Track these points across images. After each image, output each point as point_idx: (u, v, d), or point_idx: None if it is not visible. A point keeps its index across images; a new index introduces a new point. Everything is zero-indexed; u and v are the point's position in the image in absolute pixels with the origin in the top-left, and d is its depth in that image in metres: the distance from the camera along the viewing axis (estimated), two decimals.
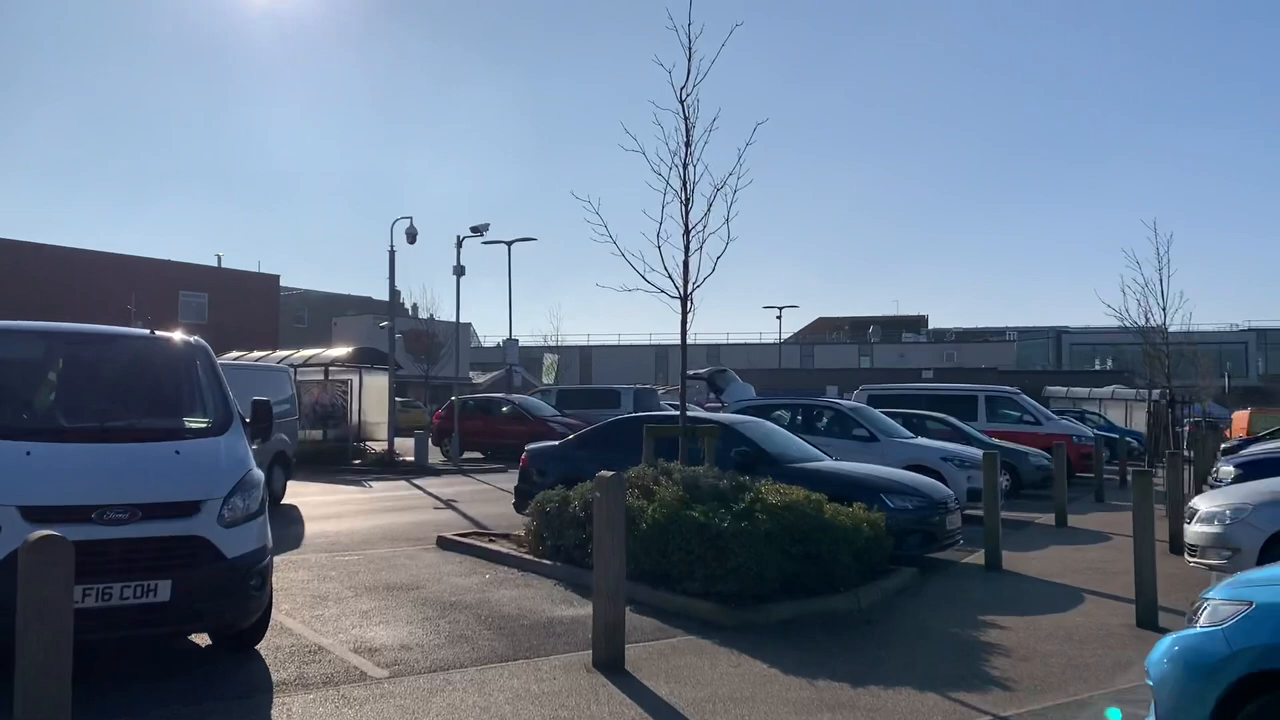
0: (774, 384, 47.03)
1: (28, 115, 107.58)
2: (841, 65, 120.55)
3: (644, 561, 8.33)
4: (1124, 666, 6.79)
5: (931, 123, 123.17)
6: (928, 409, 21.50)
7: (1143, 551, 8.03)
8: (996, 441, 19.69)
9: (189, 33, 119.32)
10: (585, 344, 79.35)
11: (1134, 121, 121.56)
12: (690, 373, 31.89)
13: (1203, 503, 9.83)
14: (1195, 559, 9.65)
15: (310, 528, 13.46)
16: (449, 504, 16.83)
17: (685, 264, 9.93)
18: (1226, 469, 13.84)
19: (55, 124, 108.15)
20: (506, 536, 11.52)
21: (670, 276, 9.90)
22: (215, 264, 53.19)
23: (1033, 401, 24.78)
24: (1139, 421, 44.89)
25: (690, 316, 10.00)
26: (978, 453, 16.09)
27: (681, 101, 9.83)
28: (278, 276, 55.33)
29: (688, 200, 9.89)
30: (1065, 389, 48.68)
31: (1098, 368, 75.72)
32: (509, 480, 17.88)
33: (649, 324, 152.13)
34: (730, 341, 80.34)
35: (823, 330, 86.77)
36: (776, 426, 12.68)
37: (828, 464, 11.45)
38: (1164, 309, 16.96)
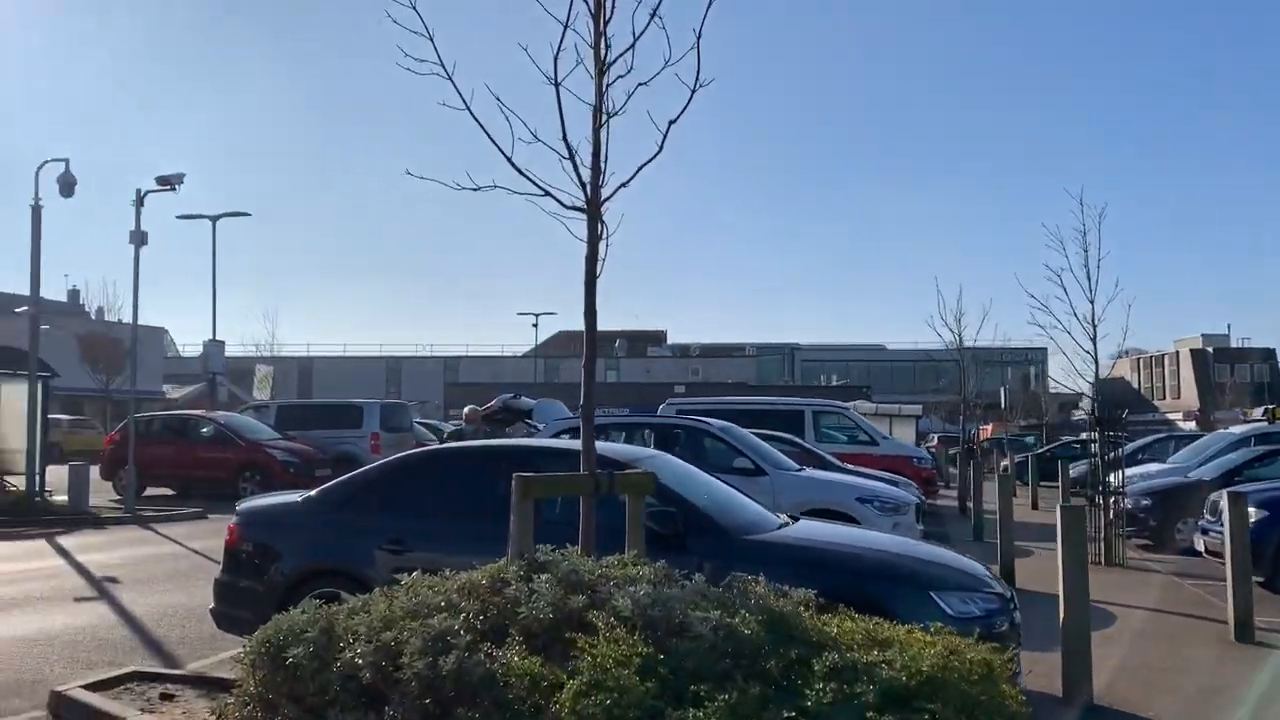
0: None
1: None
2: None
3: None
4: None
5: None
6: (748, 428, 17.45)
7: None
8: (851, 466, 15.91)
9: None
10: (305, 355, 70.42)
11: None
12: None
13: None
14: None
15: None
16: (104, 587, 10.51)
17: (595, 139, 4.83)
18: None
19: None
20: (206, 684, 5.88)
21: (574, 159, 4.75)
22: None
23: (863, 418, 21.32)
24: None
25: (604, 246, 4.91)
26: (898, 491, 11.94)
27: None
28: None
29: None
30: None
31: (822, 382, 76.32)
32: (212, 533, 11.97)
33: (379, 333, 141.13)
34: (471, 354, 74.41)
35: (563, 345, 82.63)
36: (688, 465, 7.52)
37: (805, 531, 6.53)
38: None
